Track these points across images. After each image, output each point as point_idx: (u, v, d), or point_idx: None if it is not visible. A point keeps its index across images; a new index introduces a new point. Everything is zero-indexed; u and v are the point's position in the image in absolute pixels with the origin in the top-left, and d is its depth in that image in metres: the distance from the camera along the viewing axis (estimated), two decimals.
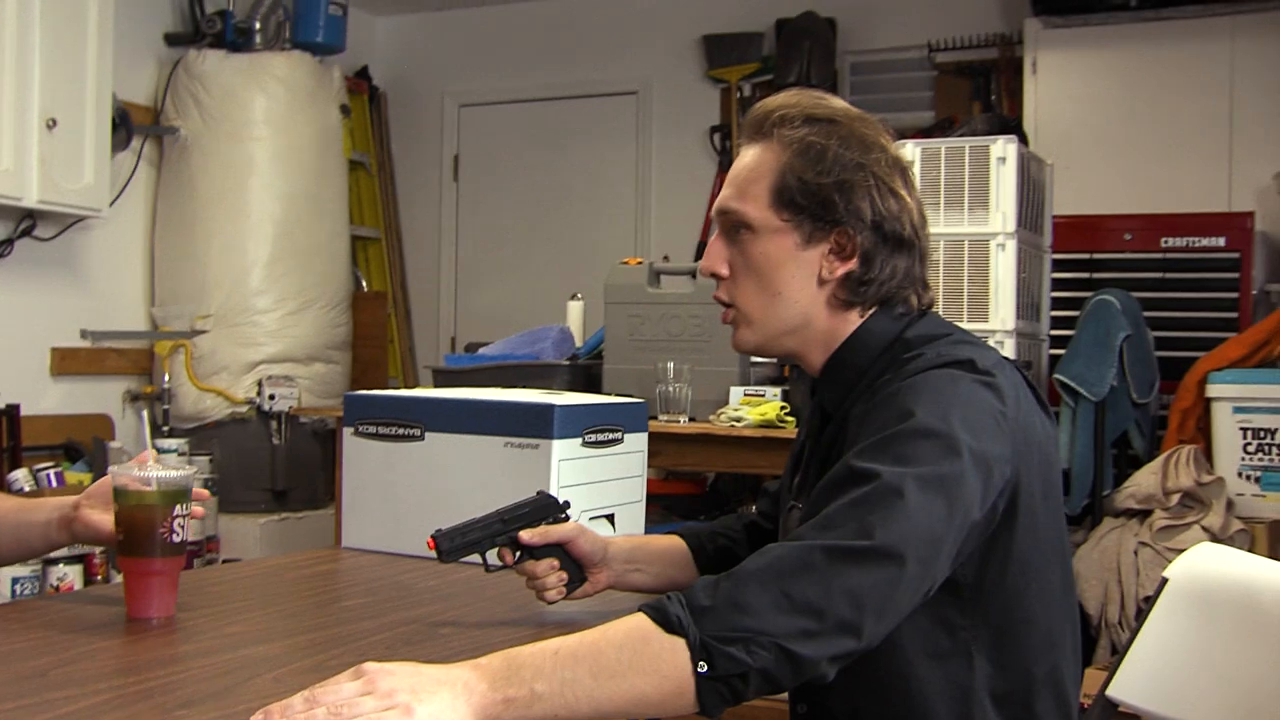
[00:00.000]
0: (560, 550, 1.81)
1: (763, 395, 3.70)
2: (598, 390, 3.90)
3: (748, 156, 1.64)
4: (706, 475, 5.53)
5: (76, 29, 4.79)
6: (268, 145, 5.43)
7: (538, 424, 2.27)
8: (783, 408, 3.61)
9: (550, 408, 2.27)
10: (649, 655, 1.30)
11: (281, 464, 5.39)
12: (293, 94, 5.50)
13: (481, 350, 4.33)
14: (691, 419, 3.74)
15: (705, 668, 1.30)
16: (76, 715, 1.32)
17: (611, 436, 2.44)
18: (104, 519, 1.85)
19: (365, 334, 6.03)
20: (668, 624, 1.31)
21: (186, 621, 1.75)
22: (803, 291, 1.62)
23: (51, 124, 4.67)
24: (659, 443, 3.48)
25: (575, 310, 4.42)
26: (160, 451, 5.04)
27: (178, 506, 1.72)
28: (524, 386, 3.63)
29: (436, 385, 4.09)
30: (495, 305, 6.55)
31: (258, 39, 5.60)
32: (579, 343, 4.29)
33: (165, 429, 5.33)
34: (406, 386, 6.30)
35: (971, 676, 1.51)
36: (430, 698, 1.27)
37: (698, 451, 3.70)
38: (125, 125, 5.24)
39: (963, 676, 1.51)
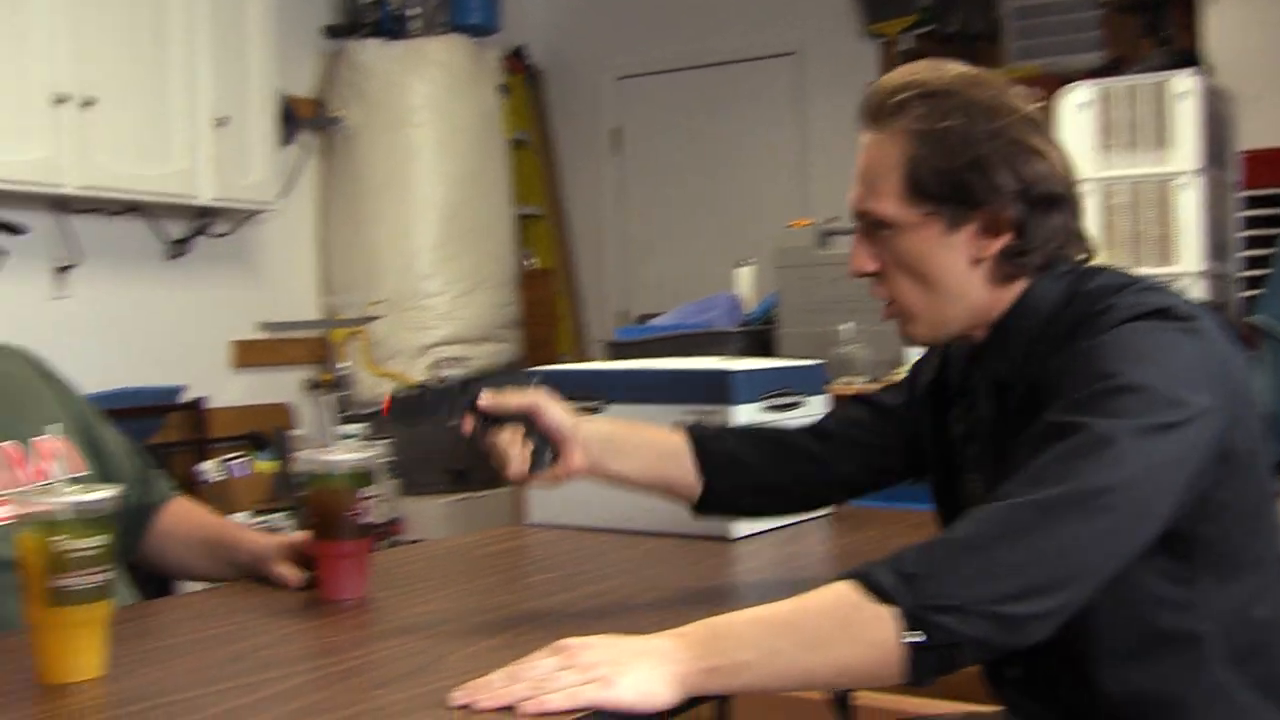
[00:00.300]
0: (525, 421, 1.66)
1: None
2: (772, 355, 3.85)
3: (871, 150, 1.54)
4: None
5: (239, 28, 4.90)
6: (429, 130, 5.48)
7: (717, 390, 2.24)
8: None
9: (729, 374, 2.24)
10: (856, 624, 1.27)
11: (459, 444, 5.43)
12: (451, 77, 5.55)
13: (652, 321, 4.31)
14: (870, 380, 3.67)
15: (916, 637, 1.25)
16: (282, 695, 1.33)
17: (791, 400, 2.39)
18: (294, 574, 1.84)
19: (534, 312, 6.06)
20: (875, 591, 1.27)
21: (378, 602, 1.75)
22: (959, 277, 1.53)
23: (221, 122, 4.78)
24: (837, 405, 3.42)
25: (745, 276, 4.37)
26: (343, 437, 5.15)
27: (365, 489, 1.72)
28: (697, 355, 3.60)
29: (610, 358, 4.08)
30: (662, 276, 6.52)
31: (415, 25, 5.65)
32: (750, 308, 4.24)
33: (344, 415, 5.43)
34: (577, 362, 6.31)
35: (1198, 626, 1.44)
36: (631, 669, 1.26)
37: None
38: (291, 119, 5.35)
39: (1188, 626, 1.44)
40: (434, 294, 5.46)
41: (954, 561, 1.28)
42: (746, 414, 2.24)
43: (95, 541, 1.37)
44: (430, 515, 5.22)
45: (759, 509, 1.93)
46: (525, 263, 6.34)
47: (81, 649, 1.39)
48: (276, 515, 4.82)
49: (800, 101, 6.30)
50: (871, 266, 1.57)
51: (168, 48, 4.62)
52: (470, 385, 1.66)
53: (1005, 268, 1.52)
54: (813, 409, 2.46)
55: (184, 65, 4.66)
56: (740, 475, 1.80)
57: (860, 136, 1.57)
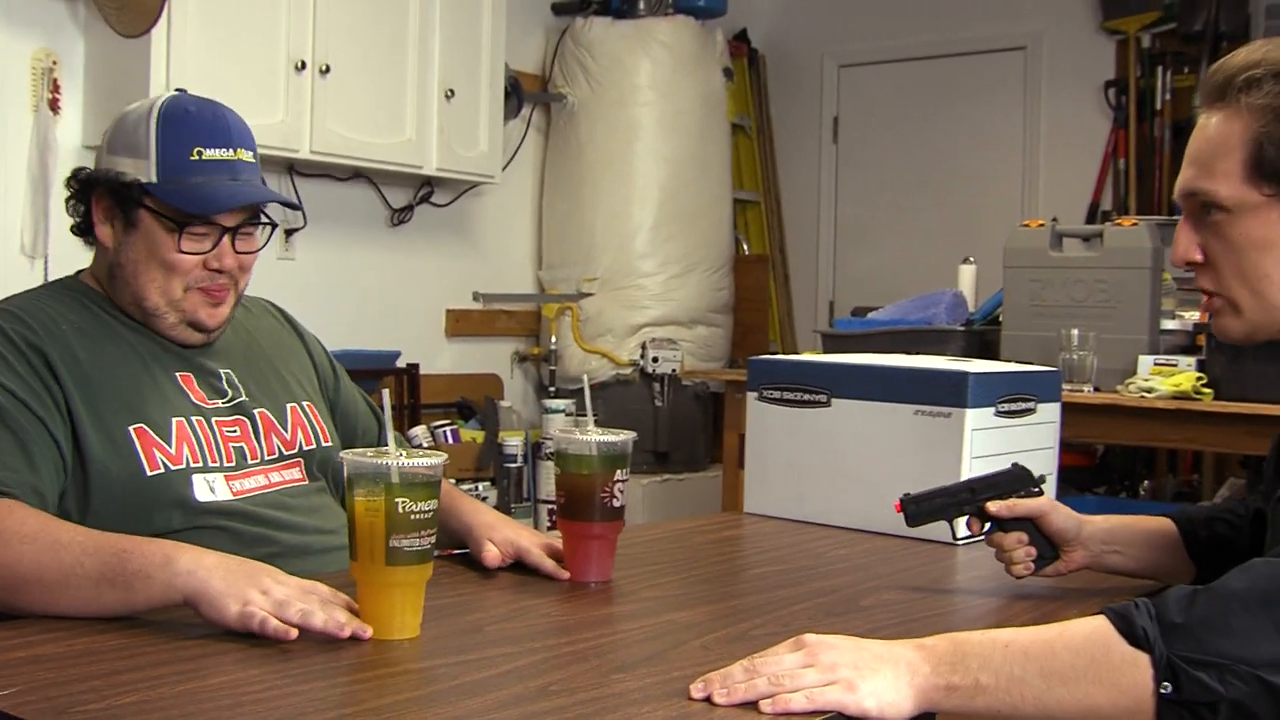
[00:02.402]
0: (1030, 525, 1.76)
1: (1175, 365, 3.47)
2: (994, 357, 3.76)
3: (1210, 128, 1.46)
4: (1097, 447, 5.29)
5: (472, 4, 4.98)
6: (653, 110, 5.49)
7: (951, 392, 2.18)
8: (1199, 378, 3.37)
9: (965, 375, 2.18)
10: (1108, 665, 1.21)
11: (664, 425, 5.45)
12: (677, 58, 5.54)
13: (872, 315, 4.24)
14: (1096, 388, 3.56)
15: (1169, 689, 1.19)
16: (518, 673, 1.33)
17: (1024, 406, 2.33)
18: (492, 555, 1.83)
19: (746, 297, 6.03)
20: (1132, 635, 1.22)
21: (608, 584, 1.75)
22: None
23: (450, 95, 4.86)
24: (1062, 413, 3.33)
25: (967, 274, 4.28)
26: (548, 412, 5.21)
27: (618, 471, 1.72)
28: (916, 352, 3.52)
29: (825, 349, 4.03)
30: (874, 269, 6.42)
31: (642, 5, 5.65)
32: (972, 308, 4.14)
33: (551, 389, 5.48)
34: (785, 350, 6.27)
35: None
36: (873, 675, 1.24)
37: (1104, 423, 3.51)
38: (516, 94, 5.40)
39: None
40: (648, 274, 5.47)
41: (1222, 615, 1.21)
42: (978, 418, 2.18)
43: (429, 505, 1.41)
44: (631, 495, 5.17)
45: None
46: (740, 248, 6.31)
47: (408, 608, 1.43)
48: (481, 484, 4.90)
49: (1029, 97, 6.12)
50: (1198, 256, 1.49)
51: (403, 20, 4.71)
52: (979, 489, 1.79)
53: None
54: (1046, 416, 2.39)
55: (418, 37, 4.75)
56: (1230, 558, 1.71)
57: (1199, 117, 1.49)
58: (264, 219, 1.87)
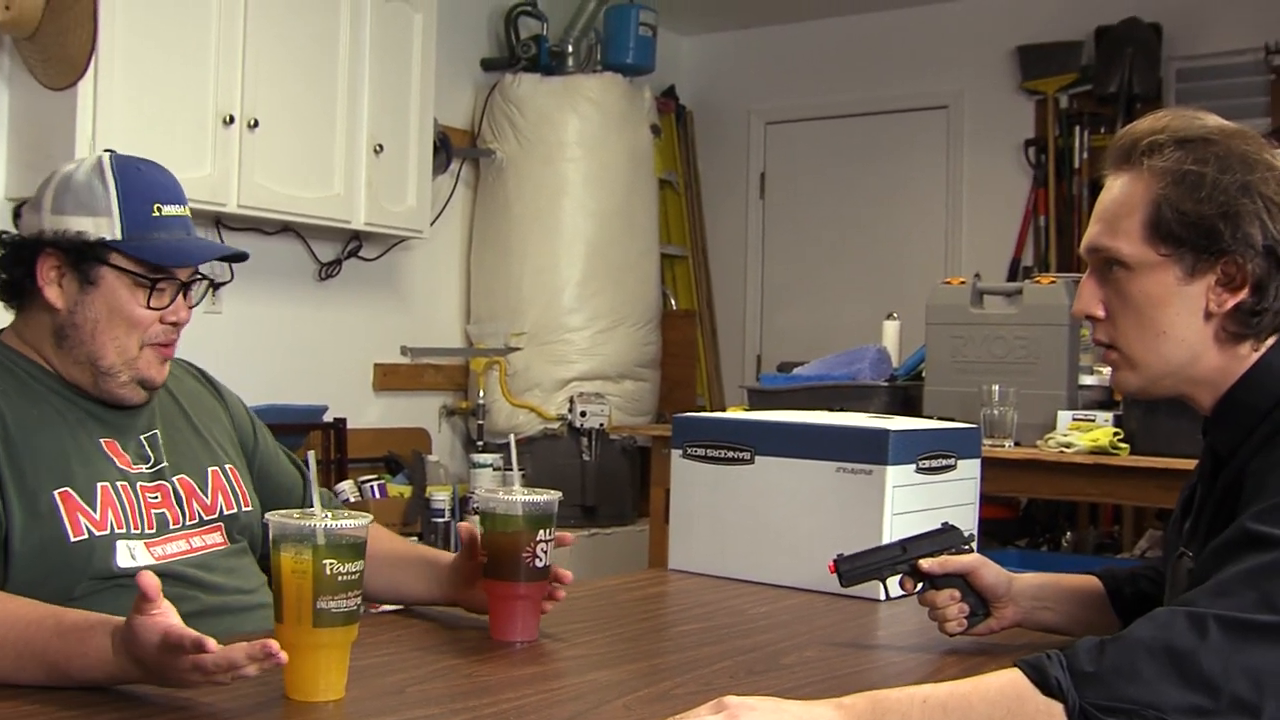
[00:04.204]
0: (962, 582, 1.79)
1: (1093, 420, 3.53)
2: (916, 412, 3.81)
3: (1115, 189, 1.52)
4: (1019, 499, 5.36)
5: (401, 59, 4.98)
6: (581, 166, 5.51)
7: (872, 449, 2.21)
8: (1116, 433, 3.44)
9: (885, 433, 2.21)
10: (1023, 716, 1.25)
11: (592, 480, 5.45)
12: (605, 115, 5.58)
13: (797, 370, 4.28)
14: (1016, 443, 3.61)
15: None
16: None
17: (945, 463, 2.36)
18: None
19: (674, 352, 6.05)
20: (1045, 685, 1.25)
21: (529, 643, 1.75)
22: (1189, 328, 1.49)
23: (378, 149, 4.85)
24: (983, 467, 3.37)
25: (891, 330, 4.33)
26: (476, 466, 5.19)
27: (542, 531, 1.72)
28: (841, 408, 3.57)
29: (751, 405, 4.06)
30: (801, 324, 6.49)
31: (570, 62, 5.70)
32: (896, 363, 4.20)
33: (479, 444, 5.47)
34: (713, 405, 6.30)
35: None
36: None
37: (1023, 477, 3.56)
38: (445, 149, 5.41)
39: None
40: (576, 329, 5.48)
41: (1130, 663, 1.24)
42: (899, 475, 2.21)
43: (356, 566, 1.42)
44: (558, 550, 5.22)
45: None
46: (667, 303, 6.34)
47: (333, 670, 1.43)
48: (408, 539, 4.86)
49: (951, 154, 6.24)
50: (1098, 311, 1.54)
51: (333, 74, 4.71)
52: (910, 547, 1.82)
53: (1235, 326, 1.48)
54: (966, 472, 2.43)
55: (347, 92, 4.75)
56: None
57: (1106, 179, 1.55)
58: (200, 275, 1.89)
